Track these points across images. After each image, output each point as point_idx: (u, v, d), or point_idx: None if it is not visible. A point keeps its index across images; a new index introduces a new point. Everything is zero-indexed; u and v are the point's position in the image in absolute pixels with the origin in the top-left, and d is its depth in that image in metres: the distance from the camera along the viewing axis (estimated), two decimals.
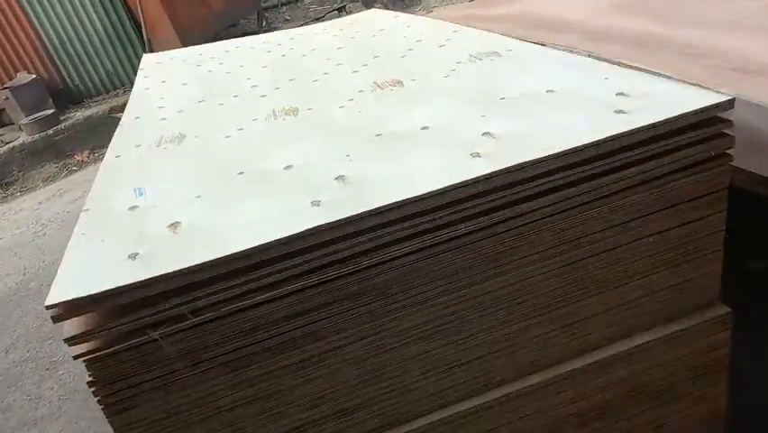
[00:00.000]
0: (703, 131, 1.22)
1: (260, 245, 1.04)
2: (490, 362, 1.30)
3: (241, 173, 1.37)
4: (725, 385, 1.46)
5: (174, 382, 1.12)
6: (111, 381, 1.08)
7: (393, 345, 1.23)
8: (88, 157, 6.88)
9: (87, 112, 7.69)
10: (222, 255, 1.03)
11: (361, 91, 1.78)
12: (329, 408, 1.25)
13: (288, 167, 1.34)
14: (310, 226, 1.06)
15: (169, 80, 2.48)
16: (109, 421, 1.13)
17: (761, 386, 1.91)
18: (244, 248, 1.04)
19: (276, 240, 1.05)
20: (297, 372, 1.19)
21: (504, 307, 1.26)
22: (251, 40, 3.04)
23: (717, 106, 1.20)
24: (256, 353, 1.14)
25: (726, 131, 1.23)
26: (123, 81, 8.27)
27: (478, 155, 1.20)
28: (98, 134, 6.87)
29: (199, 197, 1.29)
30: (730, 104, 1.20)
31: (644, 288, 1.32)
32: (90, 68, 8.21)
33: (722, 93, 1.22)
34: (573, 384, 1.34)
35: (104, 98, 8.20)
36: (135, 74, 2.74)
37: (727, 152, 1.25)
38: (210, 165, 1.46)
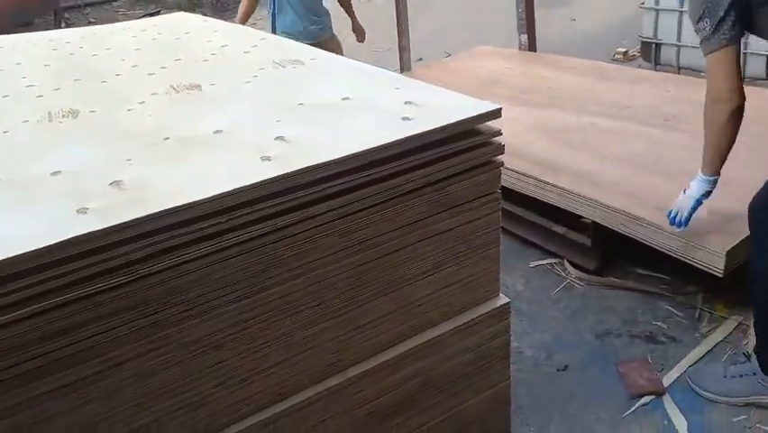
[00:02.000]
0: (477, 138, 1.34)
1: (5, 259, 0.92)
2: (288, 368, 1.28)
3: None
4: (508, 371, 1.60)
5: None
6: None
7: (182, 357, 1.16)
8: None
9: None
10: None
11: (154, 94, 1.68)
12: (112, 432, 1.14)
13: (56, 173, 1.21)
14: (68, 237, 0.96)
15: None
16: None
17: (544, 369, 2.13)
18: None
19: (25, 253, 0.93)
20: (69, 395, 1.06)
21: (299, 311, 1.25)
22: (35, 36, 2.73)
23: (487, 115, 1.32)
24: (14, 377, 1.00)
25: (496, 138, 1.36)
26: None
27: (268, 159, 1.19)
28: None
29: None
30: (499, 113, 1.34)
31: (431, 285, 1.40)
32: None
33: (494, 104, 1.35)
34: (370, 383, 1.37)
35: None
36: None
37: (498, 157, 1.38)
38: None
